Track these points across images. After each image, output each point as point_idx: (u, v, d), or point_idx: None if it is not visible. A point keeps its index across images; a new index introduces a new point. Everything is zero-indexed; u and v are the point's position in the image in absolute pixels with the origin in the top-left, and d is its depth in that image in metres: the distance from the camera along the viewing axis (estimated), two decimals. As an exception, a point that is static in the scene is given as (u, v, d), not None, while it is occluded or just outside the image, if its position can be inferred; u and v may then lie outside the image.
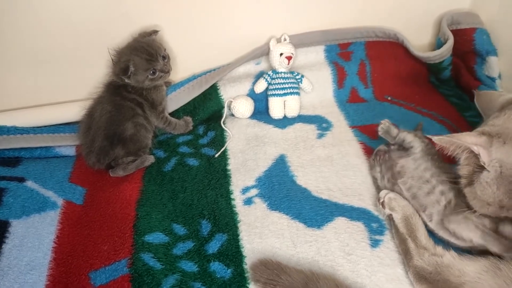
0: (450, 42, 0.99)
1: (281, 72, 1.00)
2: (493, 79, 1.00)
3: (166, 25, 0.96)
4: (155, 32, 0.91)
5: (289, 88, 0.99)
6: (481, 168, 0.60)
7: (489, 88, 0.96)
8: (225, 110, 1.00)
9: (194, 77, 1.00)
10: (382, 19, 1.05)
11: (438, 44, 1.04)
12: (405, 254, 0.65)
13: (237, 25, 1.01)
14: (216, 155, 0.90)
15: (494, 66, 0.99)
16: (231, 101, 1.00)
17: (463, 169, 0.64)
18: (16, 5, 0.88)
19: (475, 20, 1.02)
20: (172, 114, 0.98)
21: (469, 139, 0.61)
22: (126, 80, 0.86)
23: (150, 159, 0.89)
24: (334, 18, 1.04)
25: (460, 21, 1.03)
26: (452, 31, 1.01)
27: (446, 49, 0.99)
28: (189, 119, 0.97)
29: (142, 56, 0.86)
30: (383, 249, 0.68)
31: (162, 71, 0.88)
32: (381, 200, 0.73)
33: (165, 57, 0.89)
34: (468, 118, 0.96)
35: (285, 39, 1.01)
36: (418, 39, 1.08)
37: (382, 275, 0.64)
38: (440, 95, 1.05)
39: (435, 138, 0.62)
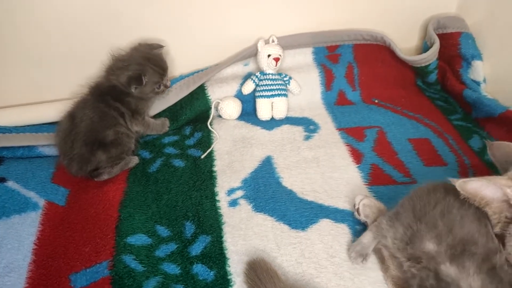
0: (436, 45, 1.00)
1: (269, 74, 0.99)
2: (478, 83, 1.01)
3: (155, 25, 0.95)
4: (161, 46, 0.90)
5: (277, 89, 0.99)
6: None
7: (474, 91, 0.97)
8: (212, 111, 0.99)
9: (181, 77, 0.99)
10: (370, 22, 1.05)
11: (425, 47, 1.05)
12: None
13: (225, 26, 1.01)
14: (202, 156, 0.89)
15: (479, 70, 1.00)
16: (219, 102, 1.00)
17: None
18: (4, 6, 0.86)
19: (461, 24, 1.04)
20: (158, 113, 0.97)
21: (503, 181, 0.53)
22: (132, 90, 0.84)
23: (135, 160, 0.87)
24: (322, 21, 1.04)
25: (446, 25, 1.04)
26: (438, 35, 1.03)
27: (432, 53, 0.99)
28: (166, 120, 0.95)
29: (155, 69, 0.85)
30: (367, 252, 0.68)
31: (165, 86, 0.89)
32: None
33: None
34: (454, 121, 0.97)
35: (273, 41, 1.01)
36: (405, 42, 1.09)
37: (364, 278, 0.64)
38: (426, 98, 1.05)
39: (458, 183, 0.53)
